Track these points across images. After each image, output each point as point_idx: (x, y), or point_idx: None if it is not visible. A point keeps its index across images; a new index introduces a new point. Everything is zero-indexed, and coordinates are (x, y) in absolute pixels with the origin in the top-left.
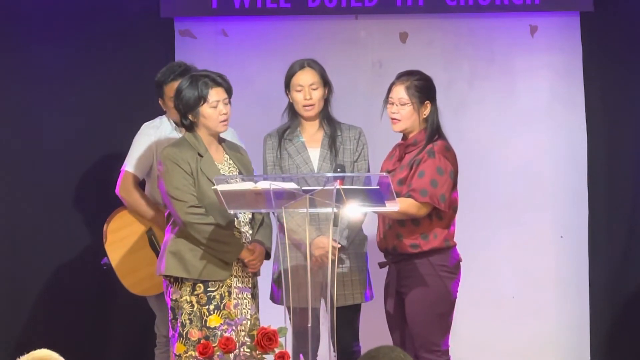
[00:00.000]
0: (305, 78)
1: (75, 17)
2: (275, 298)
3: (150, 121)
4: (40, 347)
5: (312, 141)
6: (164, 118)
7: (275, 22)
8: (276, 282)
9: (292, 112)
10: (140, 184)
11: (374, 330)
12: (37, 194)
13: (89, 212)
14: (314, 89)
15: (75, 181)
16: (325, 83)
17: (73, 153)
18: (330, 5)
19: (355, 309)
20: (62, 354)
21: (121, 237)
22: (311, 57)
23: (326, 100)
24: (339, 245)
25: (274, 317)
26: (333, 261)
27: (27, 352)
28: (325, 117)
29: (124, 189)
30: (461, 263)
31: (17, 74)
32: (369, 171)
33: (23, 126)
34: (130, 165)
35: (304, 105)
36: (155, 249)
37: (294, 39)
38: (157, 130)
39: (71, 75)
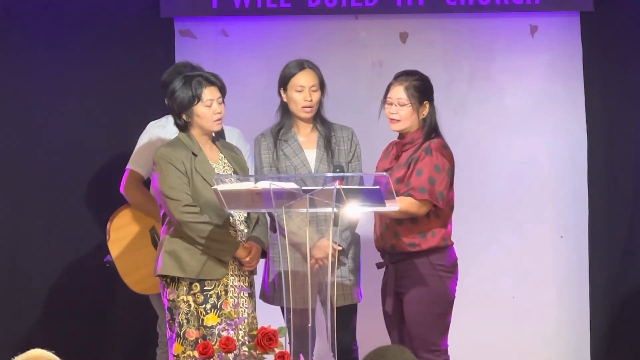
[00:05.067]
0: (307, 79)
1: (75, 17)
2: (268, 298)
3: (157, 120)
4: (39, 347)
5: (307, 142)
6: (170, 117)
7: (275, 22)
8: (271, 284)
9: (285, 111)
10: (145, 183)
11: (371, 330)
12: (40, 193)
13: (92, 210)
14: (314, 91)
15: (77, 181)
16: (322, 85)
17: (75, 152)
18: (330, 5)
19: (351, 309)
20: (62, 353)
21: (124, 235)
22: (311, 57)
23: (319, 102)
24: (340, 248)
25: (272, 316)
26: (333, 263)
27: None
28: (319, 117)
29: (128, 187)
30: (458, 262)
31: (17, 75)
32: (362, 172)
33: (25, 126)
34: (134, 163)
35: (304, 107)
36: None
37: (294, 39)
38: (163, 129)
39: (71, 75)
